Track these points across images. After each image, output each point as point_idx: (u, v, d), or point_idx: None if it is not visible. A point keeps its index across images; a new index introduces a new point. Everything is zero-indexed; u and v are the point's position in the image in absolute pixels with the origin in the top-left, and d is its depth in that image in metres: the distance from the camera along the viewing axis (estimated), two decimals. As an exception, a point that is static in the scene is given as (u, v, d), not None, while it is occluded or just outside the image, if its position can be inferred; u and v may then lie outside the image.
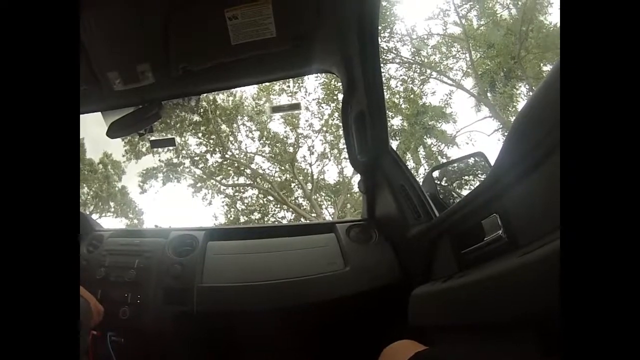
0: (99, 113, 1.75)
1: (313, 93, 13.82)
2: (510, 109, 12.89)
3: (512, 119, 12.29)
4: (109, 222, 16.48)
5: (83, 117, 1.75)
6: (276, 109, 13.46)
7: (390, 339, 1.05)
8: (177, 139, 13.39)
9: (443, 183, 1.90)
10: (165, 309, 1.50)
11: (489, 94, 13.09)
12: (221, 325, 1.57)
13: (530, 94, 12.14)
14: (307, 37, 1.47)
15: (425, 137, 13.15)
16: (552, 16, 12.52)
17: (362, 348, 1.13)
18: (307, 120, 13.71)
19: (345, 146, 1.90)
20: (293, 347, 1.56)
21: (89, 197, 15.78)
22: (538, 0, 12.44)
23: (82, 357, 1.09)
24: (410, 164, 13.11)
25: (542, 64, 12.52)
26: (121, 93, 1.61)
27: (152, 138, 2.08)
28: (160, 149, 13.42)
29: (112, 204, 16.24)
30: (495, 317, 0.83)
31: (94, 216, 15.06)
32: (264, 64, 1.60)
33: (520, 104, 12.78)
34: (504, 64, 12.65)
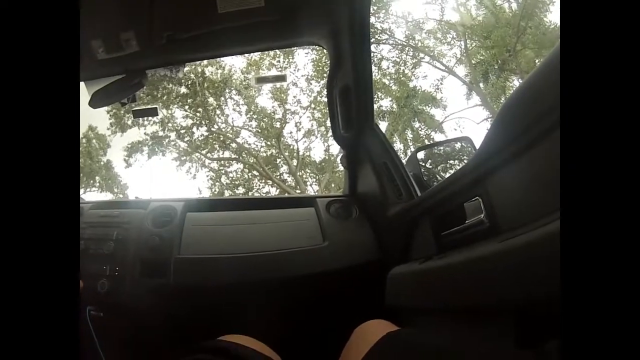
0: (82, 84, 1.70)
1: (302, 69, 13.72)
2: (501, 100, 12.82)
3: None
4: (93, 196, 16.15)
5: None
6: (261, 80, 13.29)
7: (365, 318, 1.05)
8: (164, 112, 13.19)
9: (427, 165, 1.88)
10: (143, 282, 1.48)
11: (481, 84, 13.07)
12: (198, 297, 1.56)
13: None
14: (296, 8, 1.44)
15: (413, 120, 13.13)
16: (553, 15, 12.44)
17: (337, 325, 1.12)
18: (295, 97, 13.64)
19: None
20: (269, 320, 1.56)
21: None
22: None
23: None
24: (397, 146, 13.14)
25: (537, 60, 12.47)
26: (104, 62, 1.57)
27: (135, 108, 2.03)
28: (146, 121, 13.25)
29: (97, 178, 15.98)
30: (472, 301, 0.83)
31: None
32: (251, 33, 1.56)
33: None
34: (499, 55, 12.59)
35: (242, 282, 1.51)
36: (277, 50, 11.89)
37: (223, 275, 1.51)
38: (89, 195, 16.11)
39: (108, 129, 14.19)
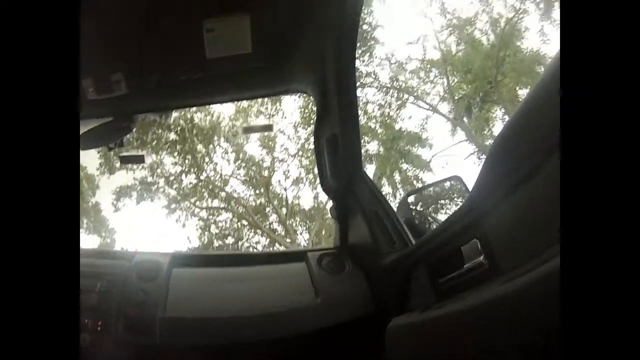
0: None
1: (290, 117, 13.90)
2: (485, 132, 13.17)
3: (488, 142, 12.64)
4: (81, 239, 15.85)
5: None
6: (248, 129, 13.40)
7: None
8: (153, 156, 13.21)
9: (419, 208, 1.87)
10: (127, 340, 1.41)
11: (465, 119, 13.36)
12: None
13: (506, 117, 12.61)
14: (282, 56, 1.45)
15: (400, 162, 13.27)
16: (529, 41, 12.89)
17: None
18: (282, 145, 13.76)
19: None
20: None
21: None
22: (516, 27, 12.84)
23: None
24: (386, 189, 13.20)
25: (517, 88, 12.85)
26: (94, 103, 1.56)
27: (122, 154, 2.02)
28: (135, 165, 13.27)
29: (84, 220, 15.76)
30: (476, 349, 0.78)
31: None
32: (239, 81, 1.57)
33: (496, 127, 13.13)
34: (481, 88, 12.95)
35: (232, 344, 1.44)
36: (265, 98, 12.12)
37: (212, 337, 1.45)
38: None
39: (97, 169, 14.12)
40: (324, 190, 1.83)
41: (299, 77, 1.60)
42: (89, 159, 14.26)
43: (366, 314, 1.49)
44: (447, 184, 1.89)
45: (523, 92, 12.43)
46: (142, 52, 1.41)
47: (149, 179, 13.82)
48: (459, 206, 1.02)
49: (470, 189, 1.22)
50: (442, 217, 1.73)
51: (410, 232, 1.49)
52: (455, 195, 1.75)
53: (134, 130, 1.74)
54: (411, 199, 1.86)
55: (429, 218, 1.84)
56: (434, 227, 1.60)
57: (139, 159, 2.72)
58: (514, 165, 0.74)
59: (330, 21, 1.32)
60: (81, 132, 1.67)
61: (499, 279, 0.78)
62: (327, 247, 1.84)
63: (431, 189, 2.06)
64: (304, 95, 1.84)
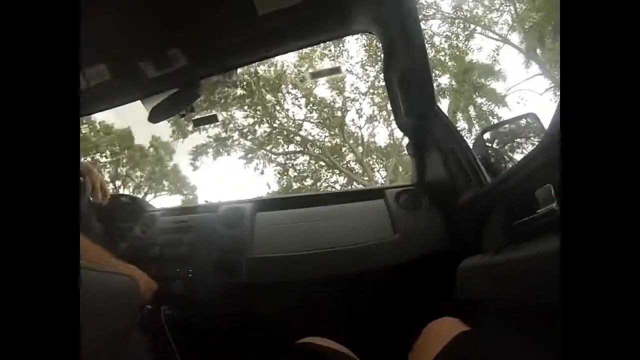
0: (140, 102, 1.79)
1: (355, 56, 13.56)
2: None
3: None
4: (164, 200, 17.17)
5: (126, 105, 1.83)
6: (316, 75, 13.19)
7: (436, 312, 1.02)
8: (223, 114, 13.58)
9: (495, 145, 1.79)
10: (216, 282, 1.55)
11: (538, 50, 12.26)
12: (272, 296, 1.60)
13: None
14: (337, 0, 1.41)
15: (474, 96, 12.60)
16: None
17: (409, 320, 1.10)
18: (352, 84, 13.55)
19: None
20: (340, 318, 1.56)
21: (142, 179, 16.56)
22: None
23: (135, 330, 1.14)
24: (461, 125, 12.71)
25: None
26: (156, 79, 1.63)
27: (195, 117, 2.10)
28: (207, 125, 13.74)
29: (165, 183, 16.92)
30: (545, 299, 0.77)
31: (149, 197, 15.79)
32: (297, 30, 1.56)
33: None
34: (552, 16, 11.74)
35: (314, 279, 1.52)
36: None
37: (294, 274, 1.54)
38: (160, 199, 17.14)
39: (171, 136, 15.01)
40: (399, 128, 1.82)
41: (358, 19, 1.55)
42: (162, 129, 15.04)
43: (442, 250, 1.51)
44: (523, 121, 1.79)
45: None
46: (194, 22, 1.43)
47: (223, 135, 14.29)
48: (534, 145, 0.97)
49: (546, 127, 1.16)
50: (517, 156, 1.65)
51: (486, 170, 1.45)
52: (531, 133, 1.66)
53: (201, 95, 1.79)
54: (487, 135, 1.78)
55: (505, 156, 1.77)
56: (510, 166, 1.54)
57: (212, 119, 2.81)
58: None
59: None
60: (150, 106, 1.76)
61: None
62: (404, 184, 1.85)
63: (507, 125, 1.95)
64: (368, 34, 1.78)
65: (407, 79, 1.58)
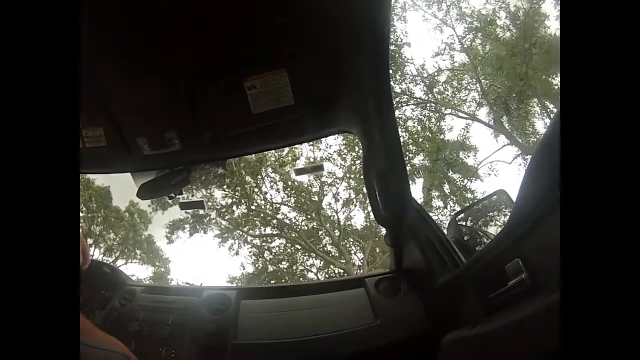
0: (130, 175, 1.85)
1: (334, 145, 13.96)
2: (527, 129, 12.94)
3: (530, 140, 12.29)
4: (135, 269, 16.54)
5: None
6: (300, 171, 13.44)
7: None
8: (202, 191, 13.58)
9: (469, 224, 1.90)
10: None
11: (504, 118, 13.03)
12: None
13: (544, 111, 12.26)
14: (323, 103, 1.53)
15: (448, 172, 13.01)
16: (551, 25, 12.50)
17: None
18: (329, 170, 13.82)
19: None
20: None
21: (115, 243, 16.13)
22: (535, 17, 12.49)
23: None
24: (436, 202, 12.97)
25: (550, 79, 12.45)
26: (150, 157, 1.70)
27: (181, 200, 2.16)
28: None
29: (138, 251, 16.51)
30: None
31: (120, 262, 15.32)
32: (286, 130, 1.67)
33: (536, 124, 12.96)
34: (514, 86, 12.69)
35: None
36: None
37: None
38: (131, 267, 16.55)
39: (149, 205, 14.87)
40: (377, 220, 1.90)
41: (342, 121, 1.67)
42: (141, 197, 14.90)
43: (422, 331, 1.55)
44: (494, 198, 1.91)
45: (557, 81, 11.95)
46: (192, 112, 1.53)
47: (201, 212, 14.11)
48: (506, 217, 1.07)
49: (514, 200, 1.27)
50: (492, 229, 1.77)
51: (460, 250, 1.54)
52: (502, 207, 1.78)
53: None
54: (460, 217, 1.89)
55: (480, 232, 1.87)
56: (485, 241, 1.64)
57: (198, 205, 2.87)
58: (551, 184, 0.77)
59: (365, 67, 1.38)
60: (140, 182, 1.83)
61: (540, 293, 0.83)
62: (383, 272, 1.91)
63: (479, 205, 2.08)
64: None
65: (385, 177, 1.68)
